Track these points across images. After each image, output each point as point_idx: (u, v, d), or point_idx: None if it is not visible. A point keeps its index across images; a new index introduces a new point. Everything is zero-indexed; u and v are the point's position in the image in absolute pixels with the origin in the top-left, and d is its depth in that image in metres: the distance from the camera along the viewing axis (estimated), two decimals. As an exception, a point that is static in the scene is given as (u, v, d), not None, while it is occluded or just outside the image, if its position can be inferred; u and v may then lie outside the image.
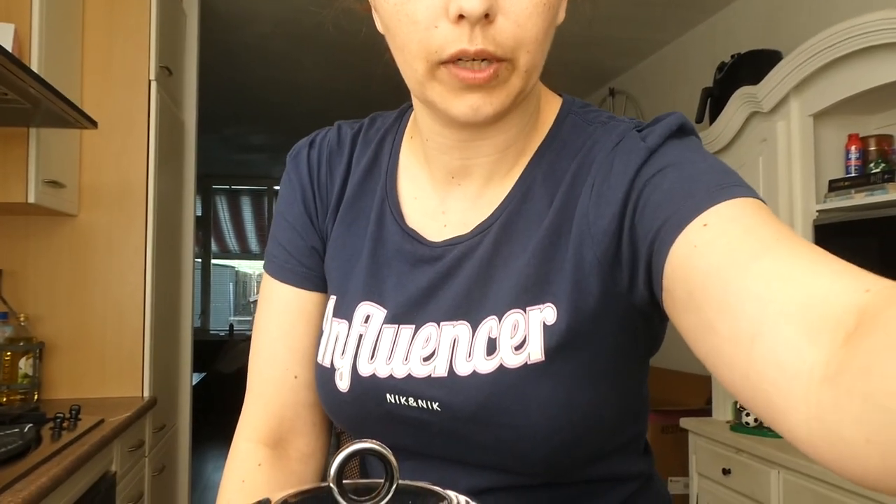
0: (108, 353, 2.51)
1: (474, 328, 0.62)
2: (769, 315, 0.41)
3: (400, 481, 0.66)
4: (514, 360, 0.60)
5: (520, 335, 0.60)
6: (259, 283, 10.15)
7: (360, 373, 0.66)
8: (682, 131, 0.61)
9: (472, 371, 0.61)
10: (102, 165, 2.54)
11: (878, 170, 2.16)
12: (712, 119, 2.84)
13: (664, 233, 0.52)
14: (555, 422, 0.59)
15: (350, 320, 0.68)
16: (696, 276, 0.48)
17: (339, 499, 0.64)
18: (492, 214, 0.65)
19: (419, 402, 0.63)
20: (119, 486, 2.10)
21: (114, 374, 2.51)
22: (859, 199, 2.14)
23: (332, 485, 0.64)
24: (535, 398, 0.59)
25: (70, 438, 1.80)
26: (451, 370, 0.62)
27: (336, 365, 0.67)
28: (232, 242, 8.85)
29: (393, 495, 0.65)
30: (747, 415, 2.45)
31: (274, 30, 3.76)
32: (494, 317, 0.62)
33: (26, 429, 1.73)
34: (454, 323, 0.63)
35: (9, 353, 2.26)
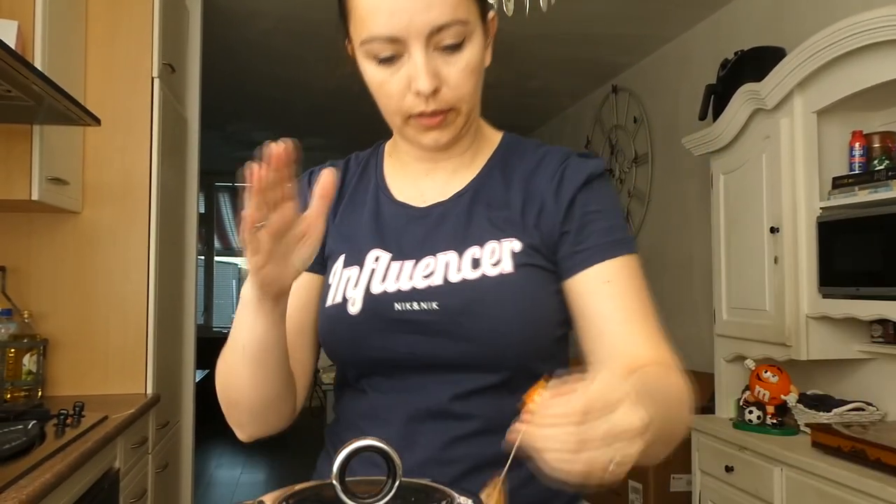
0: (111, 349, 2.52)
1: (461, 254, 0.87)
2: (612, 356, 0.83)
3: (402, 479, 0.66)
4: (492, 272, 0.85)
5: (496, 256, 0.86)
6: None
7: (373, 292, 0.87)
8: (604, 175, 0.93)
9: (461, 279, 0.85)
10: (105, 162, 2.54)
11: (881, 167, 2.15)
12: (715, 116, 2.84)
13: (580, 258, 0.86)
14: (523, 314, 0.84)
15: (361, 264, 0.89)
16: (590, 309, 0.85)
17: (342, 496, 0.64)
18: (464, 187, 0.92)
19: (422, 304, 0.85)
20: (122, 483, 2.11)
21: (117, 370, 2.51)
22: (863, 196, 2.13)
23: (334, 482, 0.64)
24: (509, 296, 0.84)
25: (74, 435, 1.80)
26: (445, 279, 0.85)
27: (348, 296, 0.88)
28: (235, 239, 8.86)
29: (395, 492, 0.65)
30: (750, 412, 2.45)
31: (277, 26, 3.76)
32: (477, 246, 0.87)
33: (30, 425, 1.74)
34: (446, 253, 0.87)
35: (13, 350, 2.26)
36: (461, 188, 0.92)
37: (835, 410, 2.27)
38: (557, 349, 0.90)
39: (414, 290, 0.85)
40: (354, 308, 0.87)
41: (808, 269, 2.32)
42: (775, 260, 2.42)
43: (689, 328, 3.75)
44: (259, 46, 4.07)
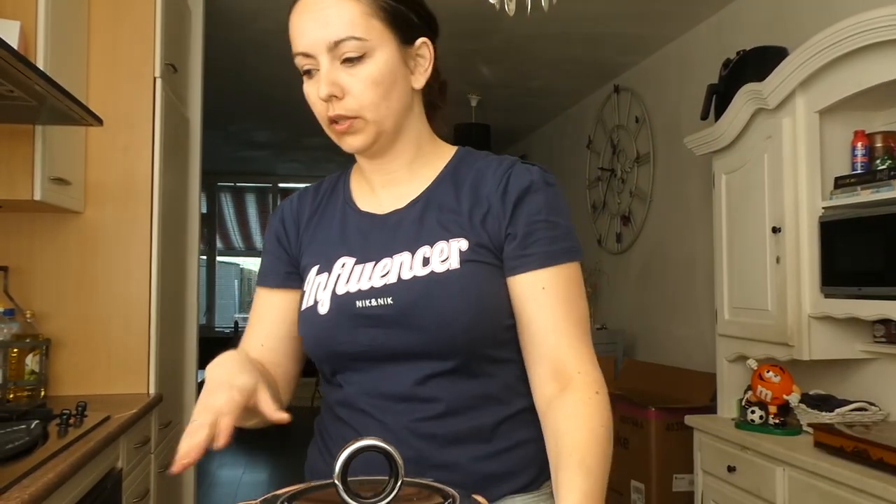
0: (113, 349, 2.52)
1: (413, 254, 0.97)
2: (542, 359, 0.95)
3: (405, 479, 0.66)
4: (440, 268, 0.95)
5: (445, 255, 0.96)
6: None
7: (338, 293, 0.98)
8: (551, 184, 1.04)
9: (412, 276, 0.95)
10: (108, 162, 2.55)
11: (884, 166, 2.15)
12: (717, 116, 2.83)
13: (521, 262, 0.97)
14: (470, 306, 0.93)
15: (330, 271, 1.01)
16: (527, 312, 0.96)
17: (345, 496, 0.64)
18: (418, 196, 1.03)
19: (378, 300, 0.95)
20: (125, 483, 2.11)
21: (120, 370, 2.52)
22: (865, 195, 2.13)
23: (336, 482, 0.64)
24: (456, 290, 0.94)
25: (76, 435, 1.81)
26: (399, 277, 0.96)
27: (318, 298, 0.99)
28: (237, 239, 8.87)
29: (397, 493, 0.65)
30: (752, 412, 2.45)
31: (278, 26, 3.74)
32: (427, 246, 0.97)
33: (33, 425, 1.74)
34: (401, 254, 0.98)
35: (15, 350, 2.27)
36: (416, 196, 1.03)
37: (837, 410, 2.27)
38: (508, 336, 0.99)
39: (372, 288, 0.97)
40: (323, 308, 0.98)
41: (810, 268, 2.32)
42: (777, 260, 2.42)
43: (691, 328, 3.75)
44: (261, 46, 4.07)
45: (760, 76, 2.50)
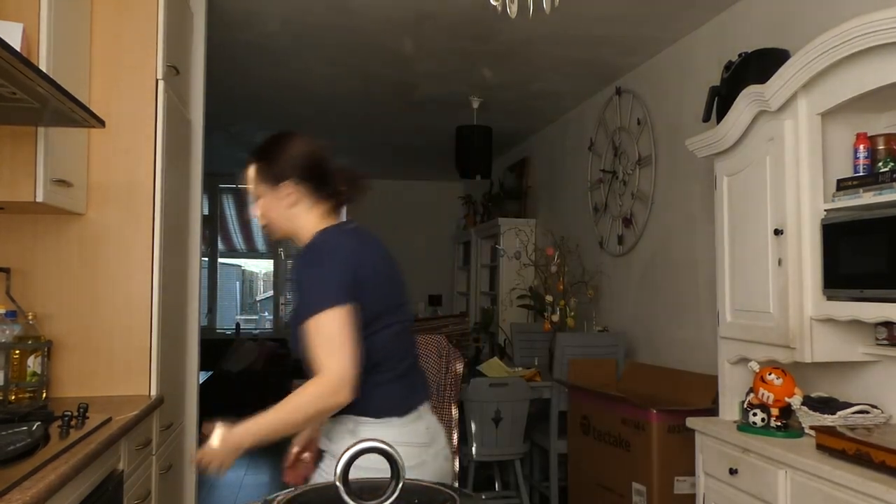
0: (115, 351, 2.52)
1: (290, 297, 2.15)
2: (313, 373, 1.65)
3: (406, 480, 0.66)
4: (289, 310, 1.60)
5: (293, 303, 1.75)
6: (265, 281, 10.18)
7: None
8: (311, 247, 1.75)
9: (288, 312, 1.95)
10: (110, 164, 2.55)
11: (886, 169, 2.15)
12: (719, 118, 2.83)
13: (298, 313, 1.67)
14: (299, 334, 1.64)
15: None
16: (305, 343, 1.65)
17: (346, 497, 0.64)
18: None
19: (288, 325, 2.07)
20: (126, 485, 2.11)
21: (121, 372, 2.52)
22: (868, 198, 2.13)
23: (338, 483, 0.64)
24: (294, 323, 1.70)
25: (78, 436, 1.81)
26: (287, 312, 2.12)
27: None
28: (239, 241, 8.87)
29: (399, 494, 0.65)
30: (754, 414, 2.44)
31: (281, 29, 3.77)
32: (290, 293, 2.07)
33: (34, 427, 1.74)
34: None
35: (17, 352, 2.27)
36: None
37: (839, 413, 2.26)
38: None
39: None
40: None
41: (812, 271, 2.32)
42: (779, 262, 2.42)
43: (692, 330, 3.74)
44: (263, 49, 4.08)
45: (762, 78, 2.49)
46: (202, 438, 1.66)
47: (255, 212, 1.85)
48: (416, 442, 1.72)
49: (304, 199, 1.79)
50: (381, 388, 1.70)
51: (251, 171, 1.86)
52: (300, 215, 1.79)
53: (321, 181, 1.80)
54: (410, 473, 1.90)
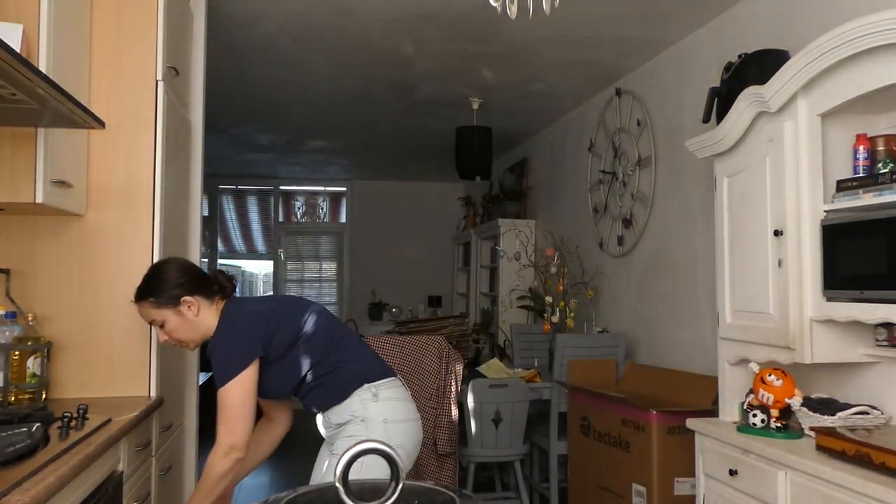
0: (115, 352, 2.52)
1: None
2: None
3: (405, 482, 0.66)
4: None
5: None
6: (265, 282, 10.18)
7: None
8: (224, 319, 2.19)
9: None
10: (110, 165, 2.55)
11: (886, 170, 2.15)
12: (719, 119, 2.83)
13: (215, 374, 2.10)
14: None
15: None
16: None
17: (345, 498, 0.64)
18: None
19: None
20: (126, 486, 2.11)
21: (121, 373, 2.52)
22: (867, 199, 2.13)
23: (337, 485, 0.64)
24: None
25: (77, 438, 1.81)
26: None
27: None
28: (238, 242, 8.86)
29: (399, 495, 0.65)
30: (754, 416, 2.44)
31: (280, 30, 3.77)
32: None
33: (34, 428, 1.74)
34: None
35: (17, 353, 2.27)
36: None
37: (839, 414, 2.26)
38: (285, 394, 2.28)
39: None
40: None
41: (812, 272, 2.32)
42: (779, 263, 2.42)
43: (692, 331, 3.74)
44: (262, 50, 4.08)
45: (762, 79, 2.50)
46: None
47: (164, 338, 2.15)
48: (409, 397, 2.25)
49: (203, 303, 2.15)
50: (337, 375, 2.19)
51: (147, 309, 2.13)
52: (205, 318, 2.15)
53: (205, 283, 2.17)
54: (413, 426, 2.23)
